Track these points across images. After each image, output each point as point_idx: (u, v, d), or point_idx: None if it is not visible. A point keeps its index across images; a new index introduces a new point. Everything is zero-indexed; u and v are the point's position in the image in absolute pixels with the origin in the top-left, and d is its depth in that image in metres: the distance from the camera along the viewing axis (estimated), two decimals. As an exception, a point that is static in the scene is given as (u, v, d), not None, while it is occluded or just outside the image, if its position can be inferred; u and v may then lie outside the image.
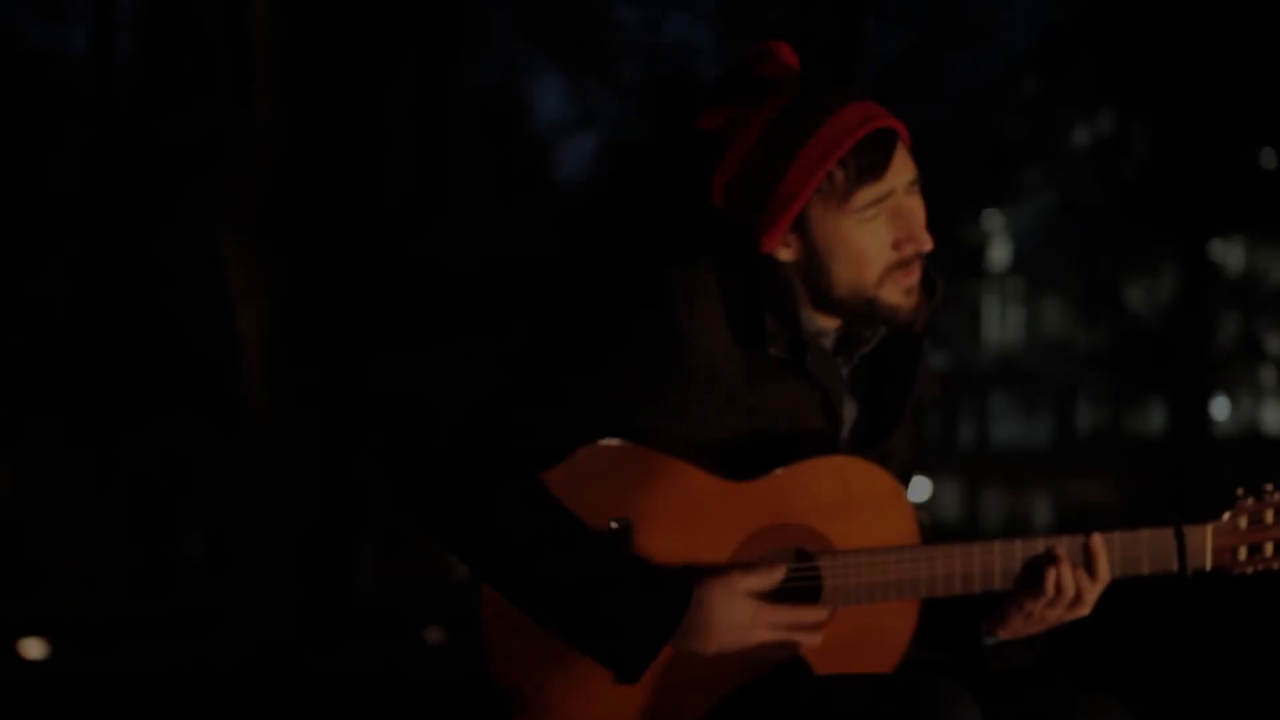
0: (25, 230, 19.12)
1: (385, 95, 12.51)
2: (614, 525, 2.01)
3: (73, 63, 20.68)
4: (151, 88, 19.65)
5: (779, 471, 2.05)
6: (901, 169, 2.02)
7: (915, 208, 2.04)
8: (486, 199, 21.49)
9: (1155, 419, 29.32)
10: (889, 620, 2.10)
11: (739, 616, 1.99)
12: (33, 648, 10.07)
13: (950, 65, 22.09)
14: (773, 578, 2.02)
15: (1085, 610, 2.10)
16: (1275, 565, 2.14)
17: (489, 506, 1.95)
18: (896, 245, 2.03)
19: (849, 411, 2.16)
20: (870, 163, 2.00)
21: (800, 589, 2.07)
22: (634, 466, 2.02)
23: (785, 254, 2.05)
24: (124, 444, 19.91)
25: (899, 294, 2.04)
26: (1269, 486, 2.14)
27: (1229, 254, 25.25)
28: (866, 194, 2.00)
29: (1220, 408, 26.58)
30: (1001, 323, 37.69)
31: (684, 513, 2.03)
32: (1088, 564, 2.08)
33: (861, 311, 2.07)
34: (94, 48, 19.76)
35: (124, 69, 20.25)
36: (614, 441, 2.03)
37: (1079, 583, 2.07)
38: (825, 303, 2.07)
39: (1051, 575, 2.06)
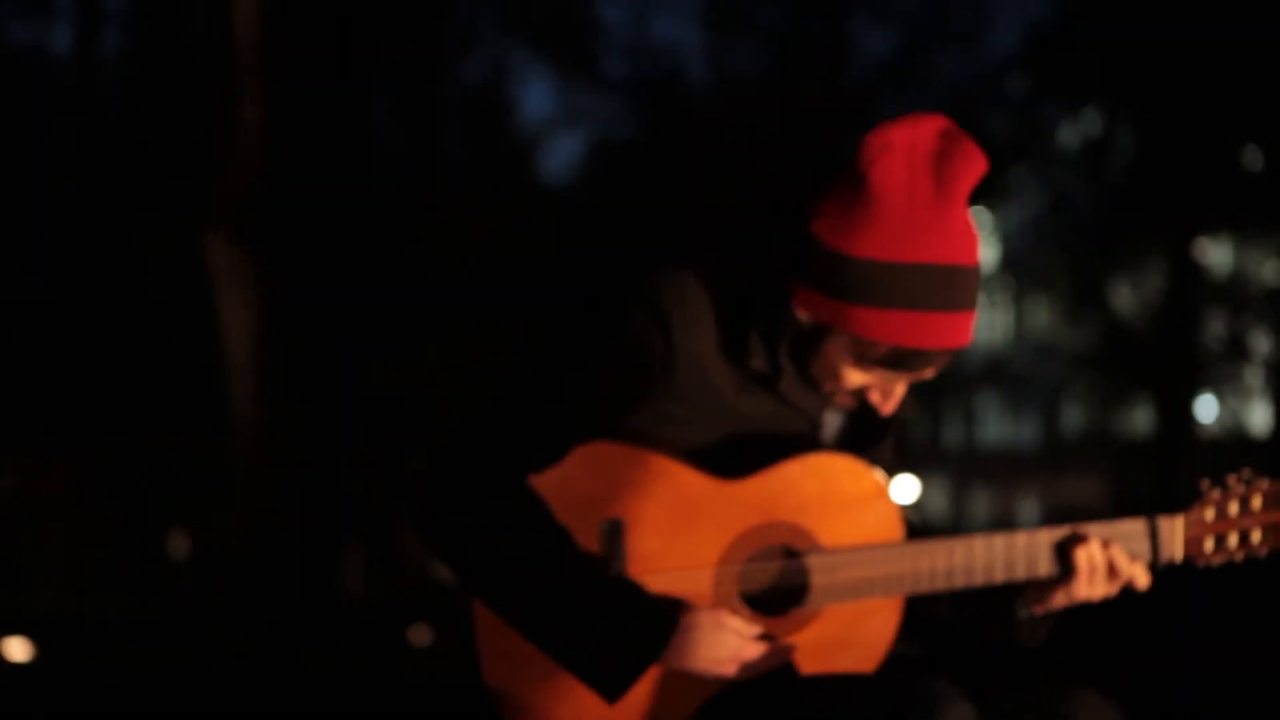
0: (10, 230, 19.06)
1: (372, 94, 12.51)
2: (605, 525, 2.03)
3: (58, 61, 20.60)
4: (137, 87, 19.60)
5: (766, 470, 2.07)
6: (928, 370, 2.03)
7: (903, 387, 2.08)
8: (473, 198, 21.47)
9: (1142, 419, 29.39)
10: (872, 619, 2.12)
11: (720, 650, 2.02)
12: (17, 647, 10.04)
13: (938, 64, 22.13)
14: (753, 630, 2.05)
15: (1143, 581, 2.13)
16: (1238, 557, 2.16)
17: (480, 523, 1.97)
18: (865, 392, 2.07)
19: (832, 420, 2.19)
20: (915, 365, 2.01)
21: (788, 587, 2.09)
22: (625, 467, 2.04)
23: (801, 314, 2.05)
24: (112, 445, 19.87)
25: (849, 401, 2.10)
26: (1231, 478, 2.17)
27: (1215, 254, 25.30)
28: (883, 373, 2.03)
29: (1207, 408, 26.63)
30: (988, 323, 37.75)
31: (675, 512, 2.05)
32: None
33: (812, 386, 2.10)
34: (79, 46, 19.69)
35: (109, 68, 20.18)
36: (606, 442, 2.04)
37: (1112, 559, 2.10)
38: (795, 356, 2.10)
39: (1083, 555, 2.10)
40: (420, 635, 11.77)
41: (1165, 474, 22.24)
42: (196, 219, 10.46)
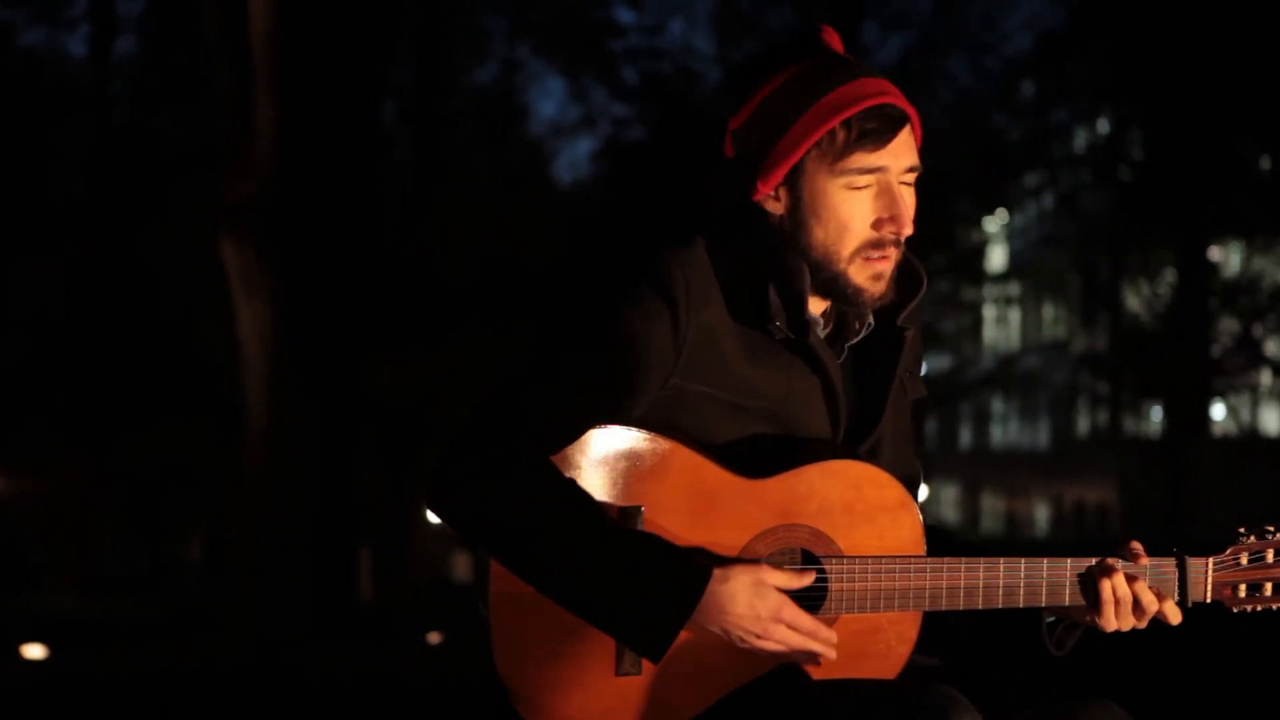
0: (24, 233, 19.14)
1: (383, 97, 12.54)
2: (623, 513, 2.02)
3: (72, 64, 20.70)
4: (150, 90, 19.67)
5: (792, 471, 2.06)
6: (902, 152, 2.05)
7: (906, 195, 2.07)
8: (484, 201, 21.52)
9: (1153, 421, 29.36)
10: (889, 632, 2.11)
11: (761, 606, 2.00)
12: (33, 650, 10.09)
13: (949, 69, 22.14)
14: (800, 581, 2.04)
15: (1174, 618, 2.12)
16: (1275, 605, 2.17)
17: (505, 489, 1.97)
18: (877, 224, 2.05)
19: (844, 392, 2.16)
20: (873, 130, 2.03)
21: (806, 591, 2.07)
22: (647, 455, 2.04)
23: (774, 206, 2.08)
24: (124, 447, 19.93)
25: (866, 277, 2.07)
26: (1271, 528, 2.17)
27: (1227, 257, 25.28)
28: (860, 160, 2.03)
29: (1217, 410, 26.59)
30: (1000, 325, 37.73)
31: (695, 505, 2.04)
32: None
33: (830, 285, 2.08)
34: (93, 50, 19.76)
35: (123, 71, 20.26)
36: (624, 429, 2.04)
37: (1137, 594, 2.10)
38: (806, 263, 2.08)
39: (1107, 587, 2.09)
40: (432, 636, 11.81)
41: (1176, 476, 22.22)
42: (209, 222, 10.49)
